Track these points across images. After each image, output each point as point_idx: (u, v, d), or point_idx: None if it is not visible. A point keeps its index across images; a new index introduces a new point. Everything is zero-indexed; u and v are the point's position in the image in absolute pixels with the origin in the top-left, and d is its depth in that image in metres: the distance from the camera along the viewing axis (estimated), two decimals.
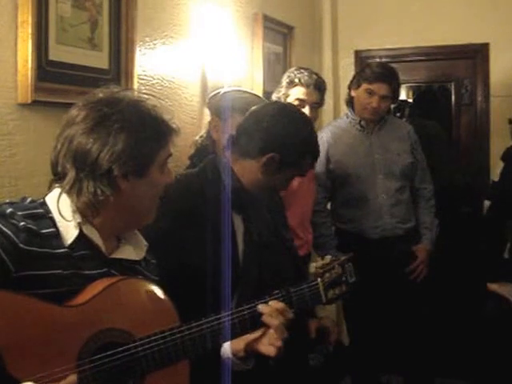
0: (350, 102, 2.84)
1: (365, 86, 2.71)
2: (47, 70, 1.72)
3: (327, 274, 1.42)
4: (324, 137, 2.81)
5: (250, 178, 1.59)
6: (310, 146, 1.63)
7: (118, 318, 1.15)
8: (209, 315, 1.25)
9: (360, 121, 2.80)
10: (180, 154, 2.21)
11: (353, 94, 2.80)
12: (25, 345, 1.03)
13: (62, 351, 1.07)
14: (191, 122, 2.50)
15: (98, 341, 1.11)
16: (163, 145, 1.24)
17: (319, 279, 1.41)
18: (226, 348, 1.36)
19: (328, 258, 1.47)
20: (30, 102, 1.66)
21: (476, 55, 3.77)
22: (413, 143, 2.86)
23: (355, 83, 2.79)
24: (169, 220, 1.46)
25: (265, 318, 1.30)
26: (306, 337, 1.66)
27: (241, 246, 1.58)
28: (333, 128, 2.89)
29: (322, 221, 2.75)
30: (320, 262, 1.45)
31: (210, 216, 1.52)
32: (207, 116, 2.43)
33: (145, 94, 2.12)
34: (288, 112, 1.65)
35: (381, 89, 2.69)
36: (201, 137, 2.30)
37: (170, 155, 1.27)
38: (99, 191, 1.16)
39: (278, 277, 1.55)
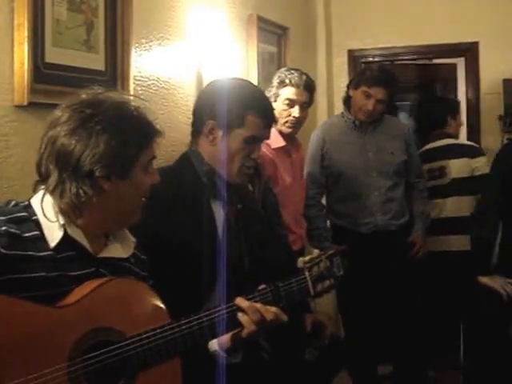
0: (347, 100, 2.87)
1: (363, 88, 2.74)
2: (43, 72, 1.73)
3: (315, 268, 1.45)
4: (319, 134, 2.86)
5: (209, 154, 1.61)
6: (249, 103, 1.58)
7: (109, 317, 1.16)
8: (198, 312, 1.26)
9: (354, 120, 2.83)
10: (176, 152, 2.23)
11: (351, 93, 2.83)
12: (15, 346, 1.03)
13: (53, 351, 1.07)
14: (187, 122, 2.52)
15: (90, 339, 1.11)
16: (146, 146, 1.23)
17: (307, 273, 1.43)
18: (213, 341, 1.37)
19: (316, 252, 1.49)
20: (26, 103, 1.66)
21: (466, 53, 3.80)
22: (407, 141, 2.89)
23: (354, 84, 2.82)
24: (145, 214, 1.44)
25: (240, 316, 1.31)
26: (302, 331, 1.68)
27: (220, 231, 1.58)
28: (328, 126, 2.93)
29: (316, 214, 2.79)
30: (308, 257, 1.47)
31: (186, 205, 1.53)
32: None
33: (141, 94, 2.14)
34: (221, 80, 1.67)
35: (378, 93, 2.72)
36: None
37: (155, 157, 1.27)
38: (81, 192, 1.16)
39: (272, 271, 1.56)
